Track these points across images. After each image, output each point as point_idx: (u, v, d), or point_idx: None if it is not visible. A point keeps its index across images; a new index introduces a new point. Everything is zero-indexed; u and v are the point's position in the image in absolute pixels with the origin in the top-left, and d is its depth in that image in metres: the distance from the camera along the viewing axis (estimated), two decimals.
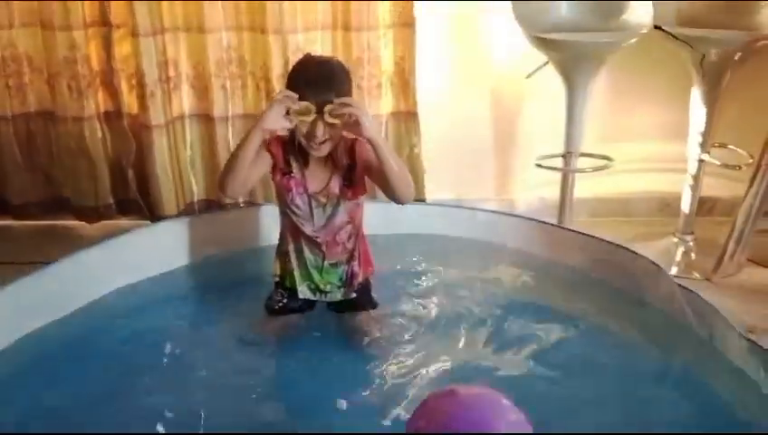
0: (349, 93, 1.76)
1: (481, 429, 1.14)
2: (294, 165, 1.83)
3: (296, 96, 1.68)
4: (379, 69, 2.67)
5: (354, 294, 1.93)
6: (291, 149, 1.83)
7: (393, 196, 1.76)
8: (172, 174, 2.74)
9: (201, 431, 1.59)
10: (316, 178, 1.84)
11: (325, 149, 1.77)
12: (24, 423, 1.59)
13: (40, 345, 1.86)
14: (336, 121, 1.67)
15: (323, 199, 1.84)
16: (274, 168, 1.83)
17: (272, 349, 1.88)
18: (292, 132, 1.80)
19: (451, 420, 1.16)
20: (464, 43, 2.81)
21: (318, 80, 1.71)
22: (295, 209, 1.85)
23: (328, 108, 1.66)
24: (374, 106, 2.70)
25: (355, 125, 1.66)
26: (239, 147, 1.74)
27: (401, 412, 1.58)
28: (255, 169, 1.79)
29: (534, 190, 2.95)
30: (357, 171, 1.82)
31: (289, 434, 1.61)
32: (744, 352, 1.70)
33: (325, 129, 1.70)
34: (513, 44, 2.63)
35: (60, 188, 2.84)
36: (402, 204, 1.78)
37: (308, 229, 1.86)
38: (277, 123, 1.70)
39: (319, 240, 1.86)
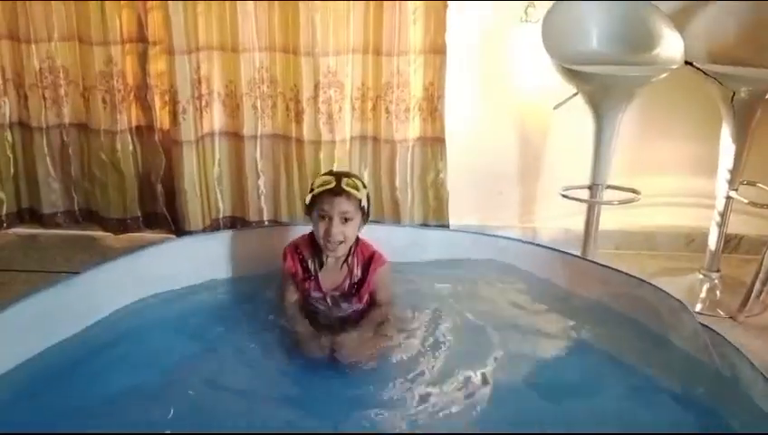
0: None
1: None
2: (311, 268, 2.01)
3: None
4: (408, 94, 2.69)
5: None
6: (307, 253, 2.01)
7: None
8: (199, 190, 2.77)
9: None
10: (331, 278, 2.01)
11: (341, 250, 1.94)
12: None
13: (61, 355, 1.89)
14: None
15: (337, 293, 2.01)
16: (295, 275, 2.02)
17: (289, 361, 1.91)
18: (311, 237, 1.99)
19: None
20: (493, 72, 2.83)
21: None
22: (312, 302, 2.03)
23: None
24: (401, 130, 2.72)
25: None
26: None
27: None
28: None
29: (559, 220, 2.94)
30: (364, 288, 2.00)
31: (290, 434, 1.64)
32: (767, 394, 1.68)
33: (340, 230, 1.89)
34: (541, 74, 2.64)
35: (89, 200, 2.89)
36: None
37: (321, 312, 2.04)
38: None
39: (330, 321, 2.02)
